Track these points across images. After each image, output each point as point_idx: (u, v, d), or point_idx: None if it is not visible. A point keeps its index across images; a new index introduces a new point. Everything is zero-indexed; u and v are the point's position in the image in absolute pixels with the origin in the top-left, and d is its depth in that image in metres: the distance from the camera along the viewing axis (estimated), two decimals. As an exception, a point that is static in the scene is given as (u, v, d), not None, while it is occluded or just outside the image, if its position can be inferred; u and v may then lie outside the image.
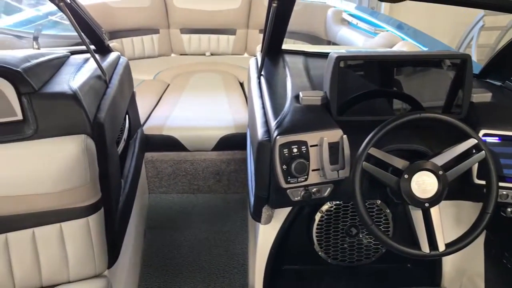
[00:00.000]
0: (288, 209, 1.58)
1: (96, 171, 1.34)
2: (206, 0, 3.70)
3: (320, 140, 1.27)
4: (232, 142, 2.48)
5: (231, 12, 3.71)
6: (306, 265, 1.87)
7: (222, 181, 2.55)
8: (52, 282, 1.37)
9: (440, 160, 1.23)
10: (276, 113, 1.38)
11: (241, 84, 3.20)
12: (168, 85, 3.16)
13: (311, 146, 1.27)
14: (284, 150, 1.26)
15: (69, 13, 1.43)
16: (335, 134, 1.28)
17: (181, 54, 3.85)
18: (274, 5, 1.44)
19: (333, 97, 1.36)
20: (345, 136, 1.27)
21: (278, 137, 1.26)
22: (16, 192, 1.24)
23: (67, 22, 2.62)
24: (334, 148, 1.27)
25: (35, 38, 1.81)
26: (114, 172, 1.53)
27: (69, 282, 1.39)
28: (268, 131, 1.34)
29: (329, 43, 3.37)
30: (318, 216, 1.68)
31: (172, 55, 3.86)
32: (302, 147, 1.26)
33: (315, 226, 1.70)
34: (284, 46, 1.90)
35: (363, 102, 1.44)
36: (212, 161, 2.49)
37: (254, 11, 3.72)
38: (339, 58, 1.33)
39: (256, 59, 1.96)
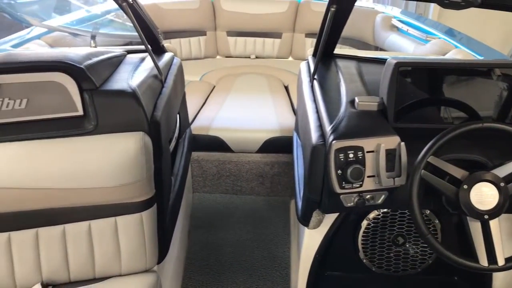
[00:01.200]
0: (335, 214, 1.57)
1: (151, 168, 1.37)
2: (254, 3, 3.73)
3: (377, 146, 1.25)
4: (277, 145, 2.48)
5: (277, 16, 3.73)
6: (350, 272, 1.85)
7: (265, 183, 2.56)
8: (104, 274, 1.41)
9: (502, 171, 1.19)
10: (331, 117, 1.37)
11: (286, 88, 3.20)
12: (214, 86, 3.20)
13: (367, 152, 1.26)
14: (340, 155, 1.25)
15: (131, 13, 1.47)
16: (392, 141, 1.26)
17: (226, 56, 3.89)
18: (333, 9, 1.44)
19: (390, 103, 1.34)
20: (402, 143, 1.25)
21: (334, 141, 1.25)
22: (75, 185, 1.28)
23: (120, 20, 2.72)
24: (391, 155, 1.26)
25: (93, 37, 1.87)
26: (167, 169, 1.55)
27: (120, 275, 1.42)
28: (322, 135, 1.34)
29: (376, 48, 3.34)
30: (364, 224, 1.66)
31: (218, 57, 3.91)
32: (359, 153, 1.25)
33: (361, 233, 1.68)
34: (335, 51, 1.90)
35: (419, 109, 1.41)
36: (256, 163, 2.50)
37: (301, 16, 3.72)
38: (399, 64, 1.31)
39: (308, 62, 1.96)
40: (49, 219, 1.32)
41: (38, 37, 2.43)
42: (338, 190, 1.27)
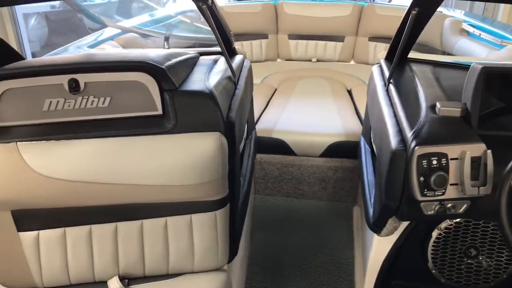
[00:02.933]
0: (406, 222, 1.53)
1: (226, 168, 1.38)
2: (317, 7, 3.71)
3: (462, 153, 1.20)
4: (341, 150, 2.44)
5: (340, 19, 3.68)
6: (417, 282, 1.79)
7: (327, 188, 2.53)
8: (177, 271, 1.43)
9: None
10: (411, 122, 1.33)
11: (349, 92, 3.16)
12: (276, 89, 3.20)
13: (451, 159, 1.21)
14: (423, 161, 1.21)
15: (209, 15, 1.50)
16: (478, 148, 1.21)
17: (287, 60, 3.89)
18: (414, 12, 1.40)
19: (474, 109, 1.28)
20: (489, 151, 1.20)
21: (416, 147, 1.21)
22: (154, 182, 1.31)
23: (188, 21, 2.78)
24: (476, 163, 1.20)
25: (166, 38, 1.93)
26: (239, 170, 1.57)
27: (192, 272, 1.44)
28: (402, 140, 1.30)
29: (443, 53, 3.22)
30: (435, 233, 1.59)
31: (278, 60, 3.92)
32: (442, 160, 1.20)
33: (431, 243, 1.62)
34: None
35: (504, 116, 1.34)
36: (319, 167, 2.48)
37: (365, 19, 3.66)
38: (485, 69, 1.25)
39: (380, 66, 1.92)
40: (128, 214, 1.36)
41: (111, 38, 2.53)
42: (419, 198, 1.23)
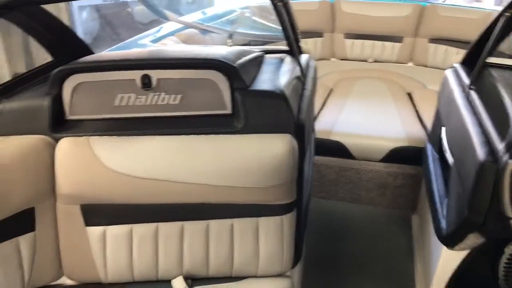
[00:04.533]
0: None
1: (296, 171, 1.34)
2: (375, 6, 3.61)
3: None
4: (403, 155, 2.35)
5: (399, 19, 3.56)
6: None
7: (386, 194, 2.44)
8: (240, 274, 1.40)
9: None
10: (501, 133, 1.24)
11: (409, 95, 3.04)
12: (331, 89, 3.13)
13: None
14: None
15: (283, 13, 1.45)
16: None
17: (341, 59, 3.80)
18: (508, 14, 1.30)
19: None
20: None
21: (510, 161, 1.13)
22: (222, 183, 1.28)
23: (250, 17, 2.74)
24: None
25: (230, 35, 1.89)
26: (305, 174, 1.52)
27: (255, 276, 1.41)
28: (491, 152, 1.21)
29: (511, 57, 3.06)
30: (509, 250, 1.49)
31: (332, 59, 3.83)
32: None
33: (503, 259, 1.52)
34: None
35: None
36: (378, 173, 2.39)
37: (426, 20, 3.52)
38: None
39: (455, 70, 1.82)
40: (195, 213, 1.34)
41: (172, 33, 2.52)
42: (511, 214, 1.14)
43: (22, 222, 1.29)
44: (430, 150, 1.98)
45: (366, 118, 2.58)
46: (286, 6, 1.52)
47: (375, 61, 3.70)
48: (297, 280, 1.69)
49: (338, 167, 2.43)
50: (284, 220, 1.37)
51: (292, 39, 1.53)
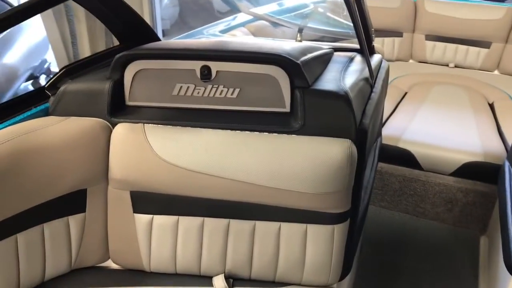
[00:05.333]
0: None
1: (352, 180, 1.25)
2: (463, 7, 3.35)
3: None
4: (477, 171, 2.16)
5: (489, 23, 3.29)
6: None
7: (453, 211, 2.26)
8: (283, 280, 1.34)
9: None
10: None
11: (491, 106, 2.80)
12: (406, 93, 2.95)
13: None
14: None
15: (355, 9, 1.36)
16: None
17: (420, 62, 3.58)
18: None
19: None
20: None
21: None
22: (272, 184, 1.22)
23: (322, 11, 2.65)
24: None
25: (300, 30, 1.82)
26: (364, 182, 1.42)
27: (300, 285, 1.34)
28: None
29: None
30: None
31: (410, 61, 3.63)
32: None
33: None
34: None
35: None
36: (448, 187, 2.22)
37: (521, 25, 3.23)
38: None
39: None
40: (242, 212, 1.29)
41: (243, 24, 2.49)
42: None
43: (73, 202, 1.31)
44: (508, 170, 1.80)
45: (440, 127, 2.41)
46: (358, 2, 1.42)
47: (457, 67, 3.46)
48: None
49: (403, 177, 2.28)
50: (336, 230, 1.29)
51: (363, 37, 1.43)
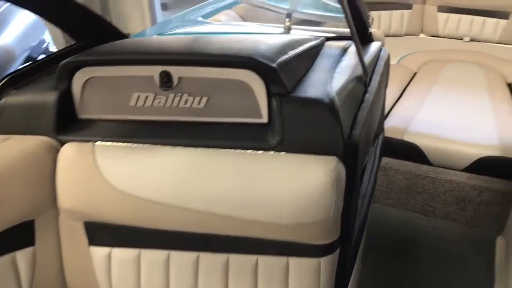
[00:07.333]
0: None
1: (341, 205, 1.05)
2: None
3: None
4: (493, 167, 1.94)
5: (509, -9, 2.99)
6: None
7: (466, 210, 2.05)
8: None
9: None
10: None
11: (509, 86, 2.54)
12: (415, 73, 2.70)
13: None
14: None
15: None
16: None
17: (432, 36, 3.30)
18: None
19: None
20: None
21: None
22: (243, 215, 1.03)
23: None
24: None
25: (288, 15, 1.60)
26: (356, 205, 1.22)
27: None
28: None
29: None
30: None
31: (421, 35, 3.34)
32: None
33: None
34: None
35: None
36: (460, 184, 2.00)
37: (543, -8, 2.92)
38: None
39: None
40: (213, 244, 1.11)
41: (230, 6, 2.25)
42: None
43: (20, 236, 1.14)
44: None
45: (452, 115, 2.17)
46: None
47: (472, 40, 3.17)
48: None
49: (410, 173, 2.07)
50: (322, 263, 1.09)
51: (353, 28, 1.20)
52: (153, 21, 4.44)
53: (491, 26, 3.09)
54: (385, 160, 2.09)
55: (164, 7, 6.35)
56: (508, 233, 1.90)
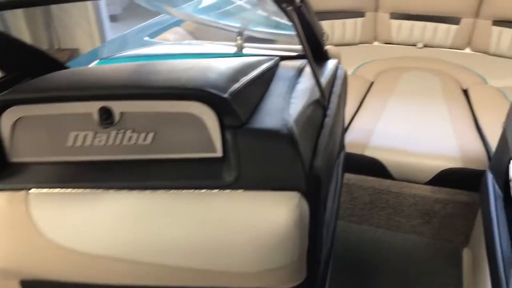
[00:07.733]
0: None
1: (305, 245, 0.96)
2: (429, -19, 3.06)
3: None
4: (455, 179, 1.90)
5: (458, -4, 3.01)
6: None
7: (432, 223, 2.01)
8: None
9: None
10: None
11: (465, 92, 2.54)
12: (372, 83, 2.66)
13: None
14: None
15: (297, 19, 1.04)
16: None
17: (385, 43, 3.29)
18: None
19: None
20: None
21: None
22: (198, 265, 0.93)
23: (265, 14, 2.30)
24: None
25: (240, 34, 1.50)
26: (322, 243, 1.13)
27: None
28: None
29: None
30: None
31: (375, 43, 3.33)
32: None
33: None
34: None
35: None
36: (423, 198, 1.96)
37: (490, -3, 2.95)
38: None
39: None
40: None
41: (178, 23, 2.13)
42: None
43: None
44: (491, 182, 1.54)
45: (412, 127, 2.13)
46: (299, 10, 1.10)
47: (426, 46, 3.18)
48: None
49: (373, 189, 2.01)
50: None
51: (308, 49, 1.12)
52: (101, 33, 4.25)
53: (443, 31, 3.11)
54: (348, 176, 2.03)
55: (113, 18, 6.15)
56: (474, 244, 1.87)
